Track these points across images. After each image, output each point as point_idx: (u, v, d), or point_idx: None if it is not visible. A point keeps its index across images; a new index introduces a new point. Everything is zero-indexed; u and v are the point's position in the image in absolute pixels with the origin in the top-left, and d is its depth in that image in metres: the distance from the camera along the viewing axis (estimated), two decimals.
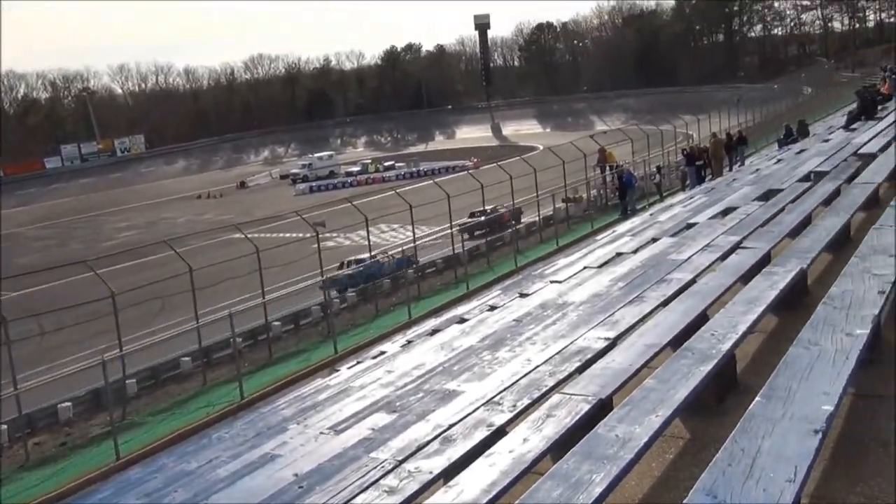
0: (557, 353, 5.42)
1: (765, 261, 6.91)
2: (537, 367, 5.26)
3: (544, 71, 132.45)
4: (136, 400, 20.09)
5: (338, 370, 11.81)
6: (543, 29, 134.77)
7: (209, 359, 21.89)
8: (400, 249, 31.12)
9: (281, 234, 36.93)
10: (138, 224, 62.32)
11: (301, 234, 31.43)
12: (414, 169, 75.37)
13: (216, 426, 14.14)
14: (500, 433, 4.23)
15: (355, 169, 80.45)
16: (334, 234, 35.68)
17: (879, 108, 20.74)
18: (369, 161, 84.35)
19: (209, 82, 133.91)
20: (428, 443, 4.31)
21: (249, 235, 25.60)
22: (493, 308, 9.52)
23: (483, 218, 33.34)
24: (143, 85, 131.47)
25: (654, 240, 9.82)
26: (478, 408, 4.72)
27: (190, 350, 22.00)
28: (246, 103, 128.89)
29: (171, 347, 22.15)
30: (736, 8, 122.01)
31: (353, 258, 31.31)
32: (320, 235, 26.09)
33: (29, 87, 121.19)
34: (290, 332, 24.65)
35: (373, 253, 29.73)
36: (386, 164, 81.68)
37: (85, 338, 23.38)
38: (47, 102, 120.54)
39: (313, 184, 74.01)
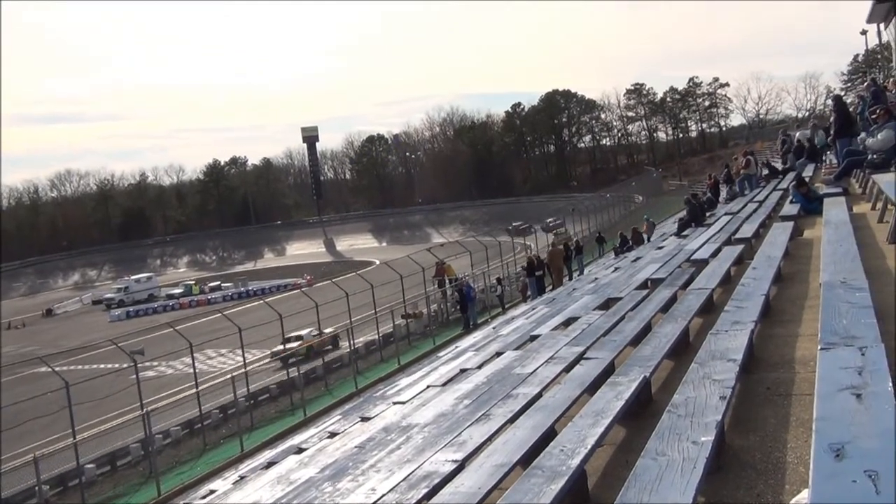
0: (403, 480, 5.37)
1: (609, 370, 7.15)
2: (382, 496, 5.18)
3: (377, 183, 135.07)
4: None
5: None
6: (374, 141, 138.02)
7: None
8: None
9: (95, 366, 35.16)
10: None
11: (118, 365, 30.02)
12: (242, 289, 74.20)
13: None
14: None
15: (177, 291, 78.39)
16: (155, 363, 34.31)
17: (708, 214, 22.31)
18: (192, 282, 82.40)
19: (10, 202, 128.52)
20: None
21: (57, 368, 24.29)
22: (333, 435, 9.37)
23: (297, 344, 33.03)
24: None
25: (499, 354, 10.01)
26: None
27: None
28: (52, 223, 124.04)
29: None
30: (565, 119, 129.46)
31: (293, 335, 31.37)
32: (139, 365, 25.04)
33: None
34: (107, 474, 23.27)
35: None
36: (211, 284, 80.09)
37: None
38: None
39: (130, 308, 71.58)
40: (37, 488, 19.56)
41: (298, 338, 33.32)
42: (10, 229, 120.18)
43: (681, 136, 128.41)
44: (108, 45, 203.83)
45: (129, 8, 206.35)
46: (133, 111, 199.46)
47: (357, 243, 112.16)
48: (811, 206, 14.73)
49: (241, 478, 10.40)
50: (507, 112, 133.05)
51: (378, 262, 68.08)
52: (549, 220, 70.49)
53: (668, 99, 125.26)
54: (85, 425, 23.90)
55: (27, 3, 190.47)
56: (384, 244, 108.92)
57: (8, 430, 21.27)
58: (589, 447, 4.93)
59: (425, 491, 5.05)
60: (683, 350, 7.73)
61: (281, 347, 32.87)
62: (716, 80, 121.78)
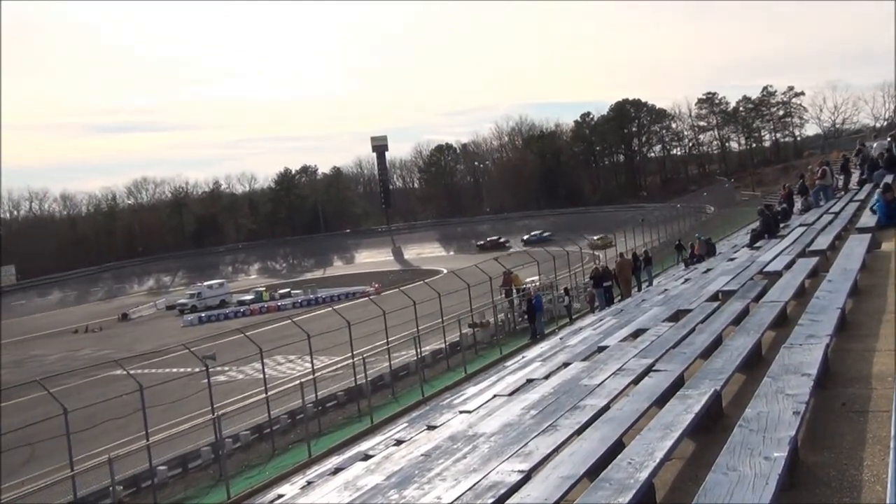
0: (469, 490, 5.36)
1: (678, 383, 7.06)
2: None
3: (445, 193, 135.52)
4: None
5: None
6: (443, 150, 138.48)
7: None
8: None
9: (167, 370, 35.89)
10: (4, 363, 59.60)
11: (190, 369, 30.58)
12: (311, 296, 74.96)
13: None
14: None
15: (248, 297, 79.55)
16: (226, 368, 34.85)
17: (781, 225, 21.87)
18: (263, 289, 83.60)
19: (88, 208, 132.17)
20: None
21: (132, 371, 24.81)
22: (399, 442, 9.40)
23: None
24: (14, 212, 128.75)
25: (566, 364, 9.95)
26: None
27: (64, 502, 20.81)
28: (129, 230, 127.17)
29: (41, 500, 20.90)
30: (634, 129, 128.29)
31: None
32: (210, 369, 25.45)
33: None
34: (178, 476, 23.63)
35: None
36: (281, 291, 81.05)
37: None
38: None
39: (203, 314, 72.73)
40: (111, 488, 19.96)
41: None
42: (89, 235, 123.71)
43: (754, 145, 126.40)
44: (181, 57, 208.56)
45: (200, 22, 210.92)
46: (206, 121, 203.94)
47: (424, 252, 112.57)
48: (892, 214, 14.33)
49: (309, 483, 10.49)
50: (576, 121, 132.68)
51: (445, 271, 68.28)
52: (595, 238, 69.87)
53: (741, 108, 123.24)
54: (157, 427, 24.35)
55: (104, 18, 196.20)
56: (452, 253, 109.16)
57: (83, 431, 21.78)
58: (657, 460, 4.87)
59: (491, 501, 5.04)
60: (756, 363, 7.60)
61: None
62: (790, 88, 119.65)
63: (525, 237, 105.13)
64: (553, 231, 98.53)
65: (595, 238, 68.17)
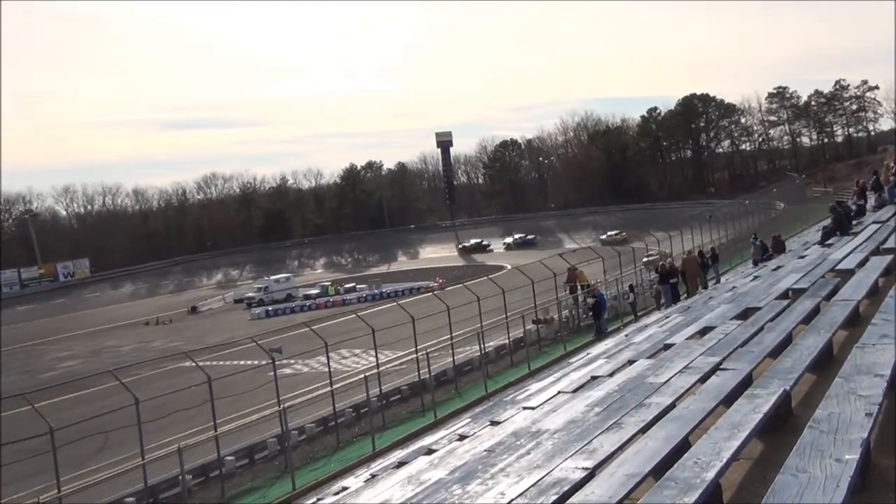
0: (533, 486, 5.34)
1: (746, 382, 6.95)
2: (512, 501, 5.17)
3: (510, 188, 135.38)
4: None
5: None
6: (508, 146, 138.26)
7: (156, 499, 21.19)
8: None
9: (235, 362, 36.49)
10: (80, 353, 61.21)
11: (256, 362, 31.07)
12: (376, 291, 75.44)
13: None
14: None
15: (314, 291, 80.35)
16: (292, 361, 35.31)
17: (854, 223, 21.34)
18: (328, 283, 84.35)
19: (159, 203, 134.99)
20: None
21: (201, 363, 25.24)
22: (462, 437, 9.41)
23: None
24: (89, 207, 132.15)
25: (631, 362, 9.86)
26: None
27: (134, 490, 21.29)
28: (198, 224, 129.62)
29: (113, 487, 21.42)
30: (702, 124, 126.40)
31: None
32: (277, 362, 25.80)
33: None
34: (245, 467, 24.03)
35: None
36: (346, 286, 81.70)
37: (20, 477, 22.61)
38: None
39: (269, 308, 73.63)
40: (180, 477, 20.37)
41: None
42: (160, 229, 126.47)
43: (825, 140, 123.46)
44: (250, 56, 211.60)
45: (267, 18, 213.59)
46: (274, 117, 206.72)
47: (496, 247, 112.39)
48: None
49: (373, 476, 10.56)
50: (642, 116, 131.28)
51: (509, 267, 68.15)
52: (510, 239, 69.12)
53: (813, 102, 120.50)
54: (225, 419, 24.79)
55: (177, 19, 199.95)
56: (516, 249, 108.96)
57: (154, 420, 22.27)
58: (724, 460, 4.80)
59: (555, 497, 5.01)
60: (827, 363, 7.44)
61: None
62: (864, 82, 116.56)
63: (508, 240, 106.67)
64: (623, 226, 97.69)
65: (611, 233, 67.01)
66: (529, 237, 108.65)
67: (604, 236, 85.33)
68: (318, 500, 10.69)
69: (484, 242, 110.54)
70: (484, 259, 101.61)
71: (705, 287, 29.81)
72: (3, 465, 21.57)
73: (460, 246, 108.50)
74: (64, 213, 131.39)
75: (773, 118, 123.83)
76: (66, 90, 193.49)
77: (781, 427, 5.98)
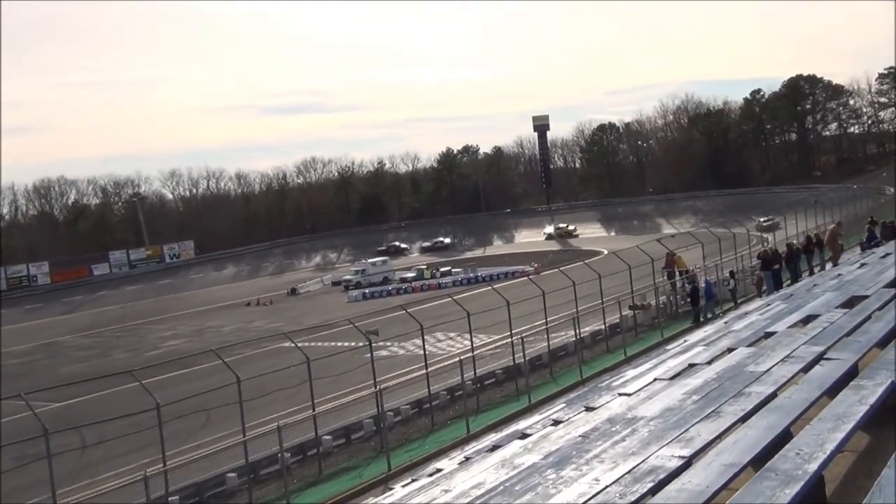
0: (628, 473, 5.30)
1: (852, 373, 6.75)
2: (606, 487, 5.14)
3: (607, 172, 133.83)
4: None
5: (391, 489, 11.69)
6: (605, 129, 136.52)
7: (256, 475, 21.79)
8: None
9: (332, 343, 37.09)
10: (184, 332, 63.17)
11: (353, 343, 31.51)
12: (471, 275, 75.60)
13: None
14: None
15: (410, 275, 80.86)
16: (388, 343, 35.74)
17: None
18: (424, 266, 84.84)
19: (261, 187, 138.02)
20: None
21: (300, 344, 25.77)
22: (557, 422, 9.38)
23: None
24: (194, 190, 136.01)
25: (730, 350, 9.66)
26: None
27: (236, 465, 21.94)
28: (298, 208, 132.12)
29: (216, 462, 22.13)
30: (808, 106, 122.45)
31: None
32: (373, 344, 26.16)
33: (80, 193, 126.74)
34: (342, 446, 24.49)
35: None
36: (442, 269, 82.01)
37: (128, 451, 23.55)
38: (97, 209, 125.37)
39: (366, 290, 74.61)
40: (279, 455, 20.87)
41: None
42: (261, 212, 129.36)
43: None
44: (350, 44, 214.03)
45: (365, 7, 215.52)
46: (372, 102, 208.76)
47: (585, 232, 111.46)
48: None
49: (467, 459, 10.62)
50: (745, 99, 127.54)
51: (606, 252, 67.42)
52: (762, 220, 67.72)
53: None
54: (323, 399, 25.25)
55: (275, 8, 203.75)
56: (613, 233, 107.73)
57: (254, 399, 22.83)
58: (828, 452, 4.67)
59: (650, 485, 4.96)
60: None
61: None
62: None
63: (425, 244, 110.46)
64: (722, 212, 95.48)
65: (762, 220, 65.81)
66: (446, 240, 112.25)
67: (759, 221, 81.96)
68: (413, 480, 10.79)
69: (403, 246, 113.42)
70: (580, 244, 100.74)
71: (810, 273, 28.92)
72: (111, 440, 22.56)
73: (378, 249, 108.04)
74: (170, 196, 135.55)
75: (883, 100, 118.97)
76: (173, 79, 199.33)
77: (888, 419, 5.78)
